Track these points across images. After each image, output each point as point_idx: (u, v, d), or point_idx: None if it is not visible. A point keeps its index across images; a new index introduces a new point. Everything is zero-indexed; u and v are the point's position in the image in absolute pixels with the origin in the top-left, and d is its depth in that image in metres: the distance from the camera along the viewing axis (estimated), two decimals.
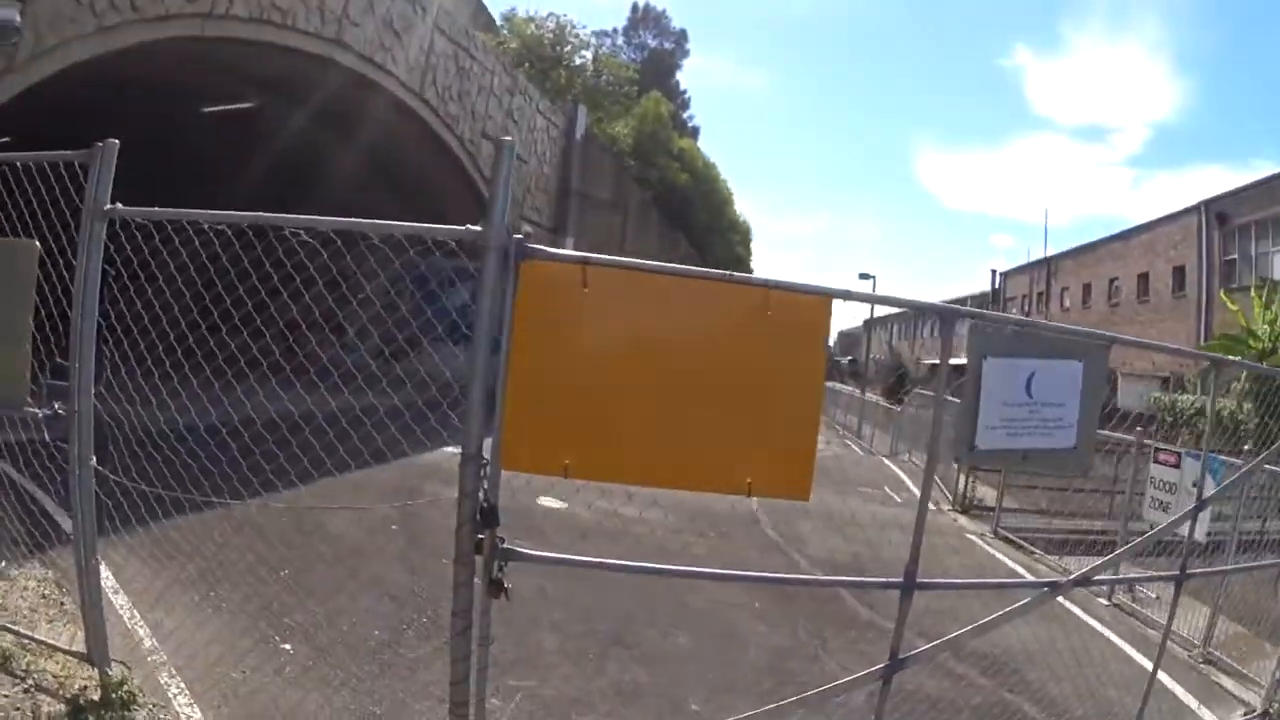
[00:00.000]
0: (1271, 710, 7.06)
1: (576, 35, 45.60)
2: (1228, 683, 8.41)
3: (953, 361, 4.17)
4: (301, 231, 4.57)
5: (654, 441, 3.73)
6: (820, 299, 3.76)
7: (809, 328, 3.76)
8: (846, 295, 3.83)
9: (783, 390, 3.75)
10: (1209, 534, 8.85)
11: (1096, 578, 5.09)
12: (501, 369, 3.64)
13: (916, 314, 61.30)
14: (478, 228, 3.66)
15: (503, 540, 3.81)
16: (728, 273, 3.79)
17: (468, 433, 3.66)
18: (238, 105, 20.31)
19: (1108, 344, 4.62)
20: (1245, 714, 7.38)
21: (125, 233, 5.01)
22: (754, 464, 3.76)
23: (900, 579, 4.11)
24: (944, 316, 4.10)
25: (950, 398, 4.55)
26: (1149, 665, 8.01)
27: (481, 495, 3.71)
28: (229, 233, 5.17)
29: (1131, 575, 7.80)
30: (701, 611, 8.29)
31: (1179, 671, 8.25)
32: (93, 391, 4.84)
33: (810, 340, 3.80)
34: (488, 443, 3.70)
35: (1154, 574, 7.68)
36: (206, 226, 4.98)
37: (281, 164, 20.99)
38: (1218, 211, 32.62)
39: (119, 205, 4.74)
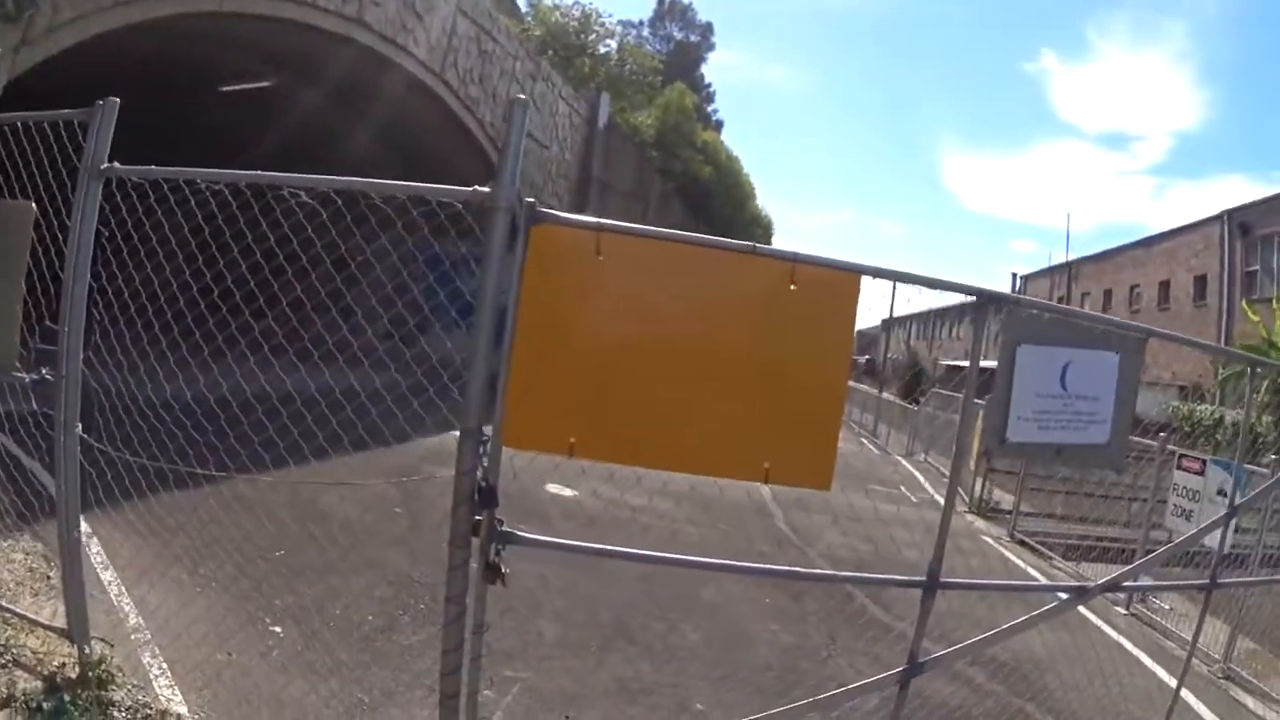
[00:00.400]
0: None
1: (602, 24, 45.34)
2: (1249, 701, 8.21)
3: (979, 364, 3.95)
4: (301, 192, 4.41)
5: (667, 422, 3.50)
6: (850, 275, 3.52)
7: (837, 306, 3.51)
8: (878, 273, 3.57)
9: (807, 373, 3.51)
10: (1231, 546, 8.65)
11: (1125, 584, 4.85)
12: (506, 340, 3.43)
13: (936, 315, 61.20)
14: (486, 189, 3.42)
15: (501, 523, 3.58)
16: (752, 244, 3.52)
17: (468, 407, 3.43)
18: (256, 84, 20.12)
19: (1145, 336, 4.40)
20: None
21: (123, 195, 4.94)
22: (773, 449, 3.52)
23: (923, 578, 3.89)
24: (980, 299, 3.85)
25: (977, 401, 4.31)
26: (1167, 677, 7.86)
27: (480, 474, 3.50)
28: (233, 205, 5.03)
29: (1162, 583, 7.56)
30: (711, 605, 8.10)
31: (1199, 686, 8.01)
32: (81, 357, 4.71)
33: (838, 319, 3.53)
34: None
35: (1184, 582, 7.43)
36: (204, 186, 4.77)
37: (297, 143, 20.70)
38: (1240, 221, 32.31)
39: (116, 164, 4.63)
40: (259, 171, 4.20)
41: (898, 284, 3.89)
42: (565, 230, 3.48)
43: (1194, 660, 8.39)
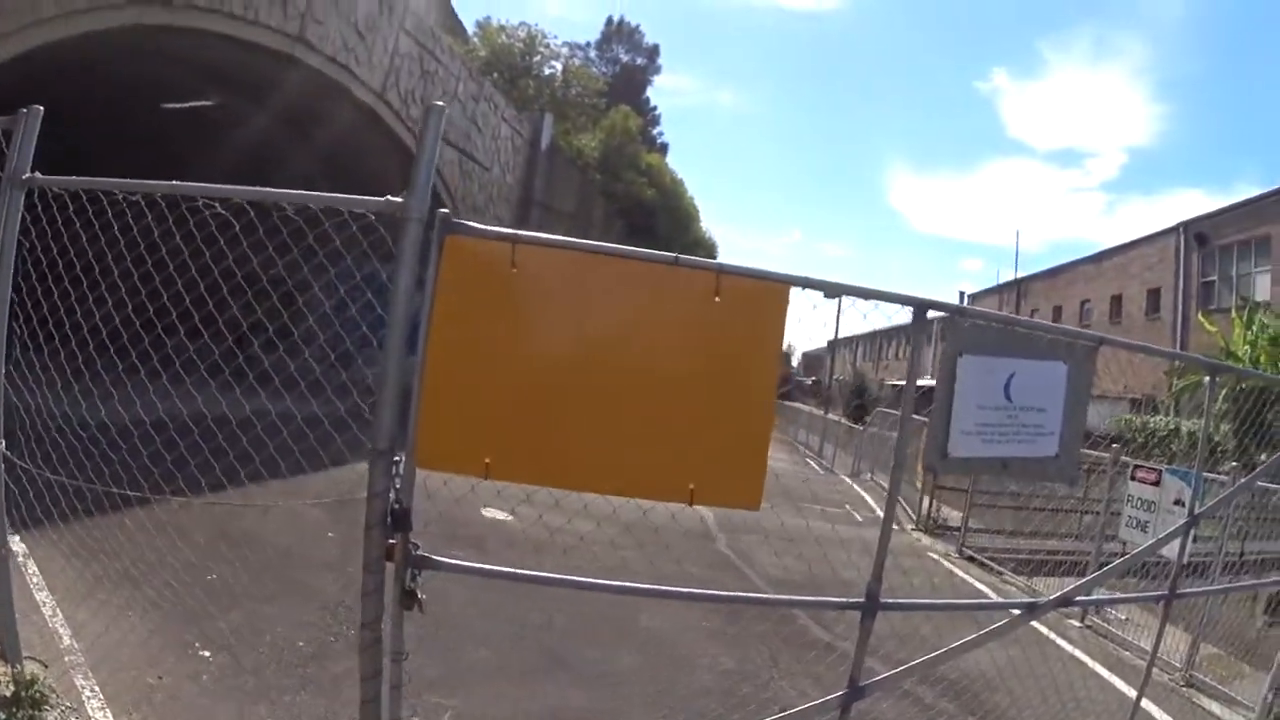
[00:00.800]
0: None
1: (547, 45, 46.20)
2: (1214, 707, 8.20)
3: (921, 382, 3.81)
4: (216, 203, 4.25)
5: (587, 441, 3.33)
6: (779, 286, 3.35)
7: (765, 318, 3.34)
8: (807, 283, 3.40)
9: (733, 388, 3.34)
10: (1190, 555, 8.61)
11: (1078, 599, 4.71)
12: (419, 356, 3.26)
13: (883, 335, 61.52)
14: (398, 199, 3.27)
15: (417, 547, 3.43)
16: (675, 255, 3.34)
17: (379, 426, 3.26)
18: (197, 103, 19.82)
19: (1096, 344, 4.24)
20: None
21: (58, 208, 4.91)
22: (698, 469, 3.34)
23: (861, 599, 3.72)
24: (917, 308, 3.70)
25: (917, 417, 4.17)
26: (1126, 688, 7.78)
27: (393, 496, 3.33)
28: (169, 220, 4.99)
29: (1117, 596, 7.46)
30: (649, 630, 7.97)
31: (1161, 695, 7.98)
32: (2, 371, 4.69)
33: (765, 333, 3.36)
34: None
35: (1142, 595, 7.33)
36: (121, 197, 4.68)
37: (239, 163, 20.20)
38: (1197, 232, 32.37)
39: (38, 174, 4.56)
40: (175, 182, 4.11)
41: (841, 303, 3.77)
42: (479, 242, 3.30)
43: (1158, 670, 8.39)
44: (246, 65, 17.32)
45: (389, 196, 3.32)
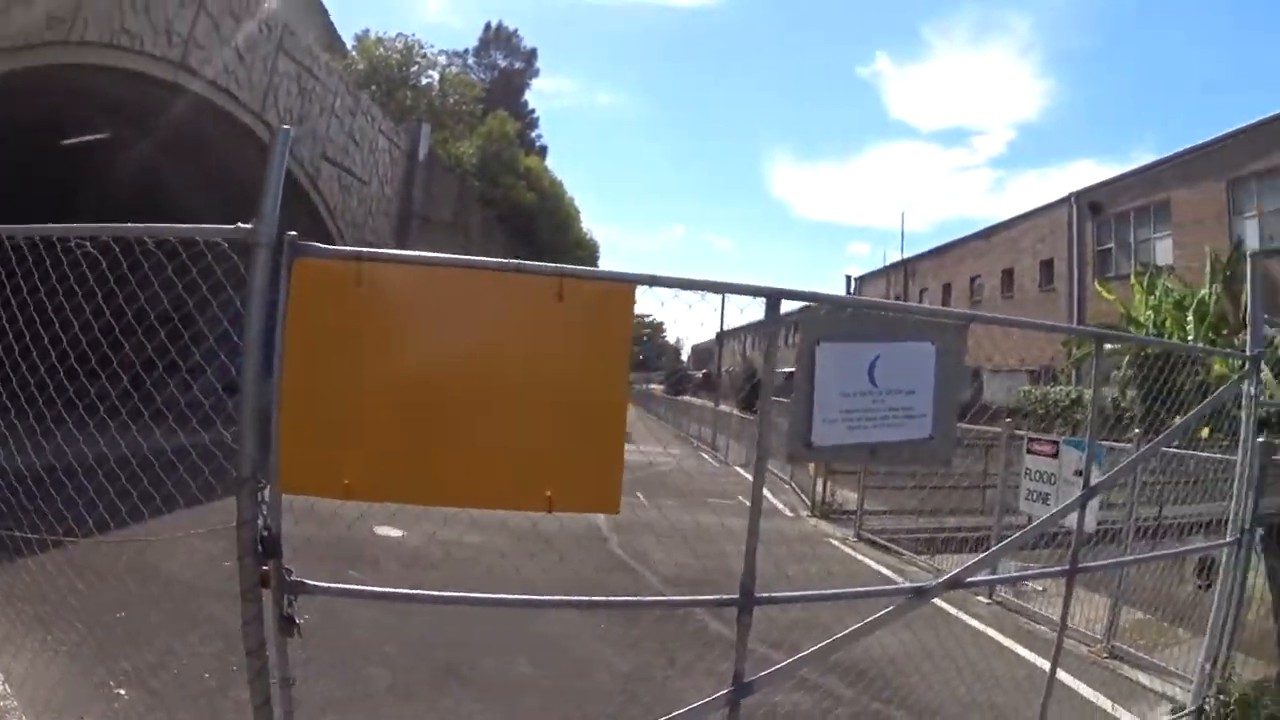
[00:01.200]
0: (1207, 706, 6.33)
1: (424, 55, 46.05)
2: (1142, 677, 8.07)
3: (785, 369, 3.85)
4: (87, 241, 4.26)
5: (441, 455, 3.32)
6: (622, 287, 3.39)
7: (611, 320, 3.36)
8: (652, 280, 3.42)
9: (585, 392, 3.35)
10: (1100, 523, 8.65)
11: (969, 579, 4.74)
12: (275, 381, 3.24)
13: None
14: (248, 225, 3.27)
15: (290, 572, 3.42)
16: (517, 261, 3.37)
17: (241, 453, 3.27)
18: (91, 136, 19.48)
19: (965, 322, 4.29)
20: (1173, 712, 6.87)
21: None
22: (555, 475, 3.35)
23: (735, 595, 3.74)
24: (770, 299, 3.74)
25: (779, 398, 4.19)
26: (1041, 662, 7.73)
27: (261, 523, 3.32)
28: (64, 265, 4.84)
29: (1011, 575, 7.49)
30: (542, 636, 7.92)
31: (1080, 669, 7.94)
32: None
33: (612, 334, 3.39)
34: None
35: (1039, 571, 7.35)
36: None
37: (127, 196, 19.93)
38: (1090, 201, 32.86)
39: None
40: (39, 225, 4.13)
41: (724, 300, 3.77)
42: (326, 263, 3.31)
43: (1076, 643, 8.41)
44: (132, 95, 17.17)
45: (239, 224, 3.31)
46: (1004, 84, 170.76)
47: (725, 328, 52.29)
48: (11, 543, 6.07)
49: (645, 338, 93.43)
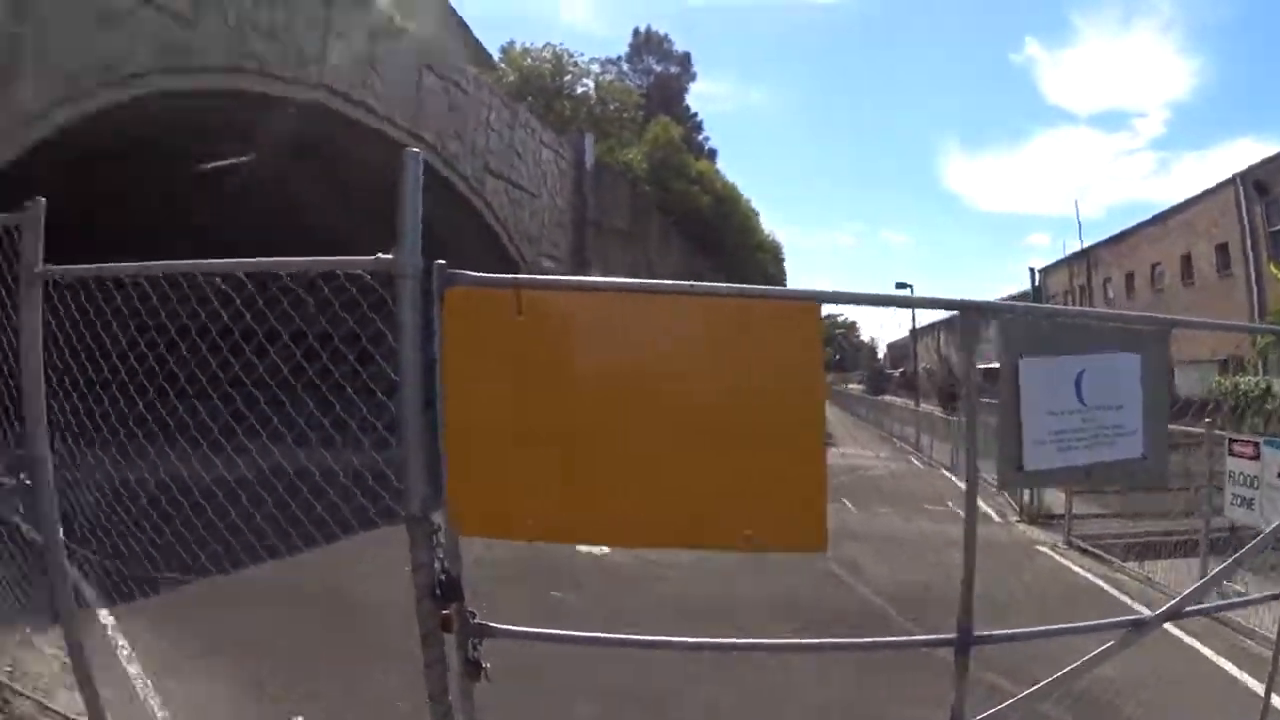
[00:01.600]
0: None
1: (575, 64, 44.84)
2: None
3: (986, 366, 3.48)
4: (218, 278, 4.34)
5: (626, 492, 3.04)
6: (807, 305, 3.06)
7: (800, 340, 3.03)
8: (835, 297, 3.14)
9: (777, 418, 3.02)
10: None
11: (1188, 609, 4.28)
12: (439, 418, 3.04)
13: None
14: (389, 256, 3.07)
15: (474, 615, 3.24)
16: (691, 284, 3.08)
17: (408, 491, 3.09)
18: (229, 160, 19.68)
19: (1168, 327, 3.88)
20: None
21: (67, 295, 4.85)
22: (752, 511, 3.02)
23: (953, 635, 3.40)
24: (963, 312, 3.38)
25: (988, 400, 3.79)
26: (1256, 685, 7.02)
27: (438, 565, 3.12)
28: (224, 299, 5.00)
29: (1232, 601, 6.73)
30: (751, 660, 7.09)
31: None
32: (52, 462, 4.51)
33: (803, 355, 3.04)
34: None
35: (1257, 596, 6.63)
36: (126, 281, 4.56)
37: (270, 218, 19.69)
38: (1255, 181, 30.84)
39: (50, 266, 4.36)
40: (175, 261, 3.96)
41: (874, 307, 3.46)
42: (482, 291, 3.09)
43: None
44: (266, 118, 16.94)
45: (379, 255, 3.11)
46: (1153, 64, 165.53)
47: (918, 325, 51.83)
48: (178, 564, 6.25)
49: (839, 336, 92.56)
